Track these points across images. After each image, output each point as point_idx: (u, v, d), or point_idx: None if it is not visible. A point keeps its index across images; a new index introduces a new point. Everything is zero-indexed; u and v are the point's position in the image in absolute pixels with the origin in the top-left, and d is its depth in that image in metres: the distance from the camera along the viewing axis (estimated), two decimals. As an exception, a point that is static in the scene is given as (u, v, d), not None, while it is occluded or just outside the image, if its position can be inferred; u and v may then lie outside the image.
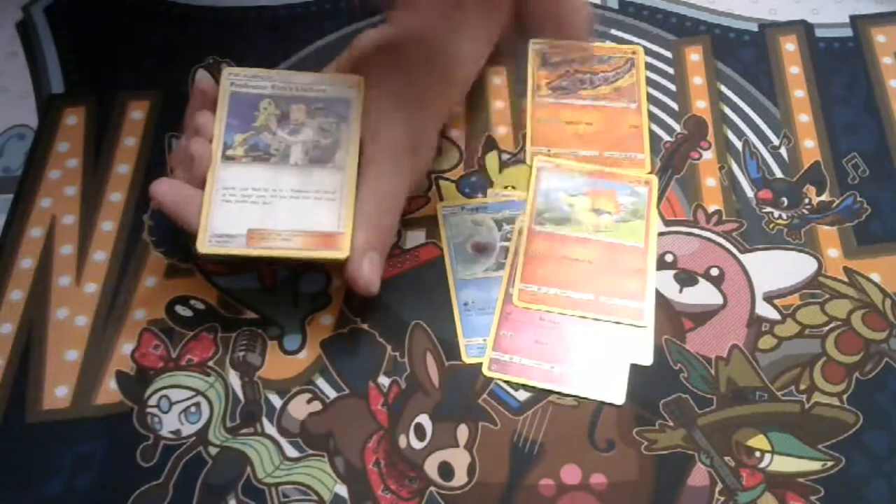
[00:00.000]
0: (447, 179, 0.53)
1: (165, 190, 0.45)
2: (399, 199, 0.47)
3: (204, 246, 0.44)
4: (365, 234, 0.45)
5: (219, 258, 0.47)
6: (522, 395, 0.46)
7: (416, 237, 0.51)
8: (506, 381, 0.46)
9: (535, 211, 0.50)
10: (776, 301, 0.49)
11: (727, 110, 0.56)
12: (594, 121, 0.55)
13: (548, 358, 0.46)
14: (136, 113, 0.56)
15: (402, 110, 0.47)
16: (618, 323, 0.47)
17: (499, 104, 0.56)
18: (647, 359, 0.47)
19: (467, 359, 0.47)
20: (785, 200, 0.52)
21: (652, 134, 0.55)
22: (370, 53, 0.49)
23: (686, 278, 0.50)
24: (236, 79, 0.47)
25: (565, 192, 0.51)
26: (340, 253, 0.44)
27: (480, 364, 0.47)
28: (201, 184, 0.46)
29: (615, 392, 0.45)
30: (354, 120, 0.47)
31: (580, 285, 0.48)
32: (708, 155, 0.54)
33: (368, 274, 0.45)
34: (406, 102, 0.47)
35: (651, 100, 0.56)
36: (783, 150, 0.54)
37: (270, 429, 0.45)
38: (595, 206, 0.51)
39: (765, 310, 0.49)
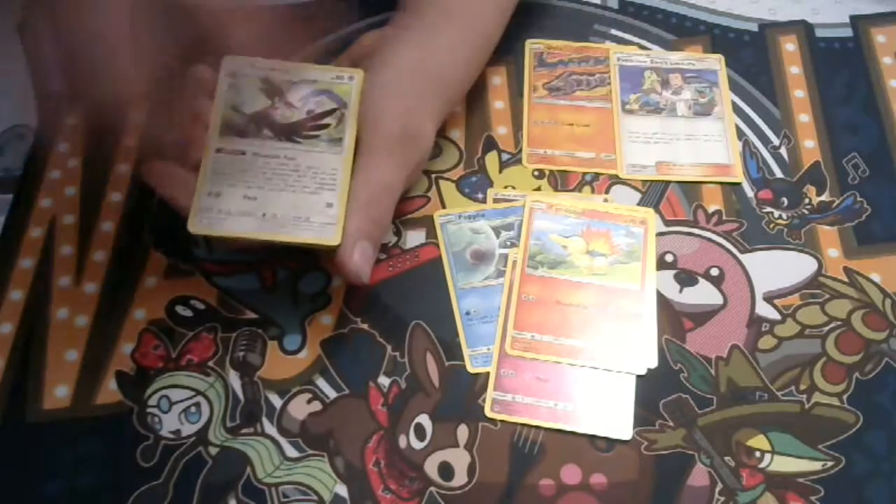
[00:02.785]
0: (447, 179, 0.53)
1: (155, 171, 0.45)
2: (394, 191, 0.47)
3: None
4: (357, 223, 0.45)
5: (209, 239, 0.48)
6: (522, 395, 0.46)
7: (416, 237, 0.51)
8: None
9: (528, 254, 0.49)
10: (776, 301, 0.49)
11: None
12: (591, 122, 0.55)
13: (551, 395, 0.46)
14: (136, 113, 0.56)
15: (400, 105, 0.47)
16: (616, 372, 0.46)
17: (499, 104, 0.56)
18: (652, 363, 0.47)
19: (472, 369, 0.47)
20: (785, 200, 0.52)
21: (652, 134, 0.55)
22: (371, 51, 0.49)
23: (686, 278, 0.50)
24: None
25: (559, 234, 0.50)
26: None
27: (486, 373, 0.46)
28: (195, 168, 0.46)
29: (622, 428, 0.45)
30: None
31: (574, 332, 0.47)
32: (708, 155, 0.54)
33: (359, 262, 0.45)
34: (405, 98, 0.47)
35: (651, 100, 0.56)
36: (783, 150, 0.54)
37: (270, 429, 0.45)
38: (590, 249, 0.50)
39: (765, 310, 0.49)
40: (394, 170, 0.46)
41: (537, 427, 0.45)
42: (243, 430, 0.45)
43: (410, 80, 0.48)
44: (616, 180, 0.53)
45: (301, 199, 0.45)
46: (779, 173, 0.54)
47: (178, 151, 0.46)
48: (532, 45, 0.58)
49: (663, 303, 0.49)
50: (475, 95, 0.55)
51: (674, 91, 0.56)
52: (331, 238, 0.44)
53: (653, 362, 0.47)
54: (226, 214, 0.45)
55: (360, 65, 0.49)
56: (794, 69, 0.58)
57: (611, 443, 0.45)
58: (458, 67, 0.51)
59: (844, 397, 0.46)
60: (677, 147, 0.54)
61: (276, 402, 0.46)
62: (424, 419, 0.45)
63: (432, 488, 0.44)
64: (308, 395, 0.46)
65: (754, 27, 0.60)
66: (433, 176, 0.53)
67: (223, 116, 0.47)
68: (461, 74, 0.52)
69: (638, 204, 0.52)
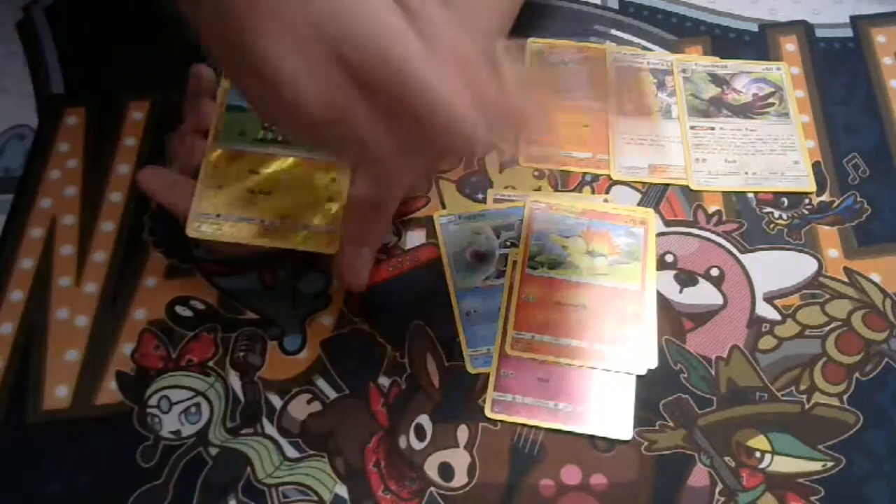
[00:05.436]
0: (447, 179, 0.53)
1: (150, 177, 0.45)
2: (393, 198, 0.47)
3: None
4: (355, 231, 0.45)
5: (206, 242, 0.48)
6: (522, 396, 0.46)
7: (416, 237, 0.51)
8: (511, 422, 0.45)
9: (528, 254, 0.49)
10: (776, 301, 0.49)
11: (727, 110, 0.56)
12: (589, 122, 0.55)
13: (551, 396, 0.46)
14: (136, 113, 0.56)
15: None
16: (616, 372, 0.46)
17: (499, 104, 0.56)
18: (652, 363, 0.47)
19: (472, 369, 0.47)
20: (785, 201, 0.52)
21: (652, 134, 0.55)
22: None
23: (686, 278, 0.50)
24: None
25: (559, 234, 0.50)
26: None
27: (487, 374, 0.46)
28: (195, 173, 0.46)
29: (622, 428, 0.45)
30: None
31: (575, 332, 0.47)
32: (708, 155, 0.54)
33: (357, 269, 0.45)
34: None
35: (651, 100, 0.56)
36: (783, 151, 0.54)
37: (270, 429, 0.45)
38: (590, 249, 0.49)
39: (765, 310, 0.49)
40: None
41: (537, 427, 0.45)
42: (243, 431, 0.45)
43: None
44: (616, 180, 0.53)
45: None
46: (779, 173, 0.54)
47: (180, 157, 0.46)
48: (533, 44, 0.58)
49: (663, 303, 0.49)
50: (475, 95, 0.55)
51: (669, 93, 0.56)
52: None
53: (653, 362, 0.47)
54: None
55: None
56: (795, 69, 0.58)
57: (611, 443, 0.45)
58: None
59: (844, 397, 0.46)
60: (670, 149, 0.54)
61: (276, 402, 0.46)
62: (424, 419, 0.45)
63: (432, 489, 0.44)
64: (308, 396, 0.46)
65: (754, 27, 0.60)
66: (433, 176, 0.53)
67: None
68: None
69: (638, 204, 0.52)
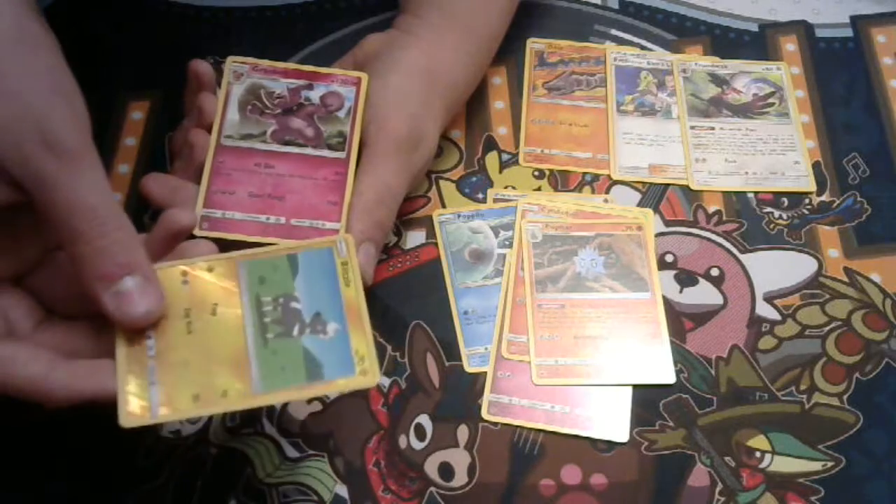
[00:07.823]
0: (447, 179, 0.53)
1: (152, 185, 0.45)
2: (397, 195, 0.47)
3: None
4: (361, 225, 0.45)
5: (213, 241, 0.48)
6: (522, 396, 0.46)
7: (416, 237, 0.51)
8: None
9: (521, 256, 0.49)
10: (776, 301, 0.49)
11: (727, 110, 0.56)
12: (589, 122, 0.55)
13: (548, 398, 0.46)
14: (136, 113, 0.56)
15: (405, 109, 0.47)
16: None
17: (499, 104, 0.56)
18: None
19: (469, 368, 0.47)
20: (785, 200, 0.52)
21: (652, 134, 0.55)
22: (375, 54, 0.49)
23: (686, 278, 0.50)
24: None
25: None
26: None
27: (483, 373, 0.46)
28: (199, 170, 0.46)
29: (619, 430, 0.45)
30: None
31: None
32: (708, 155, 0.54)
33: (363, 264, 0.45)
34: (410, 102, 0.47)
35: (651, 100, 0.56)
36: (783, 151, 0.54)
37: (270, 429, 0.45)
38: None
39: (765, 310, 0.49)
40: (398, 173, 0.46)
41: (534, 430, 0.45)
42: (243, 430, 0.45)
43: (415, 84, 0.48)
44: (616, 180, 0.53)
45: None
46: (779, 173, 0.54)
47: (182, 155, 0.46)
48: (533, 44, 0.58)
49: (664, 303, 0.49)
50: (475, 95, 0.55)
51: (669, 93, 0.56)
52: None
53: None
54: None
55: (363, 68, 0.49)
56: (795, 69, 0.58)
57: (611, 443, 0.45)
58: (461, 71, 0.51)
59: (844, 397, 0.46)
60: (671, 149, 0.54)
61: (277, 402, 0.46)
62: (424, 419, 0.45)
63: (432, 488, 0.44)
64: (308, 396, 0.46)
65: (754, 27, 0.60)
66: (433, 176, 0.53)
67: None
68: (464, 78, 0.52)
69: (638, 204, 0.52)
